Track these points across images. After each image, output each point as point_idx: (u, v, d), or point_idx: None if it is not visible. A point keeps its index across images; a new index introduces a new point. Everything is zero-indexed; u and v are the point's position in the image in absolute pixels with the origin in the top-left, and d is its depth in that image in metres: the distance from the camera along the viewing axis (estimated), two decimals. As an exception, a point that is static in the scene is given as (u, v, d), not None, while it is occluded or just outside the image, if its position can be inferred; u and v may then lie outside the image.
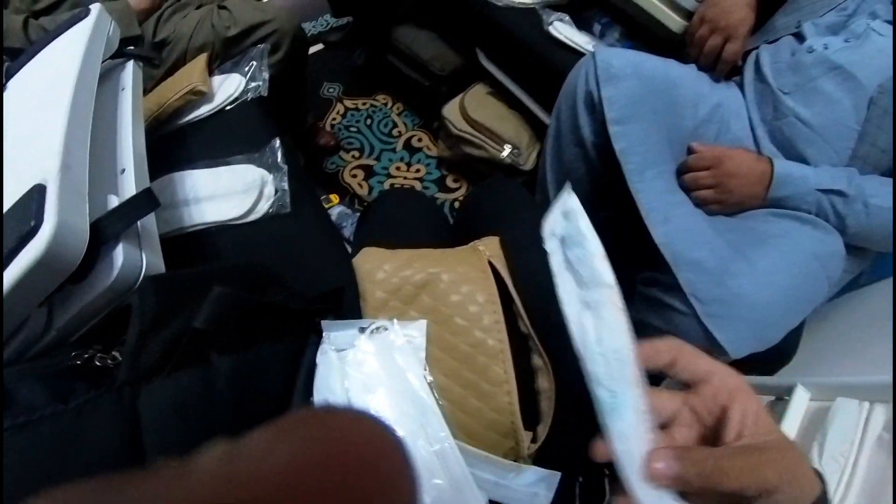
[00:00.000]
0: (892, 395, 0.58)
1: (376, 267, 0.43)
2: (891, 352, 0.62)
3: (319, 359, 0.39)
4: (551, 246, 0.30)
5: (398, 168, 1.46)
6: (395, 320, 0.40)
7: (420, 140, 1.53)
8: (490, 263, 0.45)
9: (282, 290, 0.45)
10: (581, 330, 0.28)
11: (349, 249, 0.71)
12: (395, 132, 1.55)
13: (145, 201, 0.54)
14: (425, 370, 0.38)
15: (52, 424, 0.30)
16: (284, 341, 0.42)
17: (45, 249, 0.42)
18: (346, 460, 0.12)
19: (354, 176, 1.45)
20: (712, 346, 0.68)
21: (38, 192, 0.45)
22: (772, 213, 0.79)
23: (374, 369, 0.37)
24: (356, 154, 1.50)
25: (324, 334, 0.40)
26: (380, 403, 0.36)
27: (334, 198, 1.20)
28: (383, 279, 0.42)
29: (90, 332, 0.51)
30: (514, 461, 0.39)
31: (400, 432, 0.35)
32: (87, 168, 0.53)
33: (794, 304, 0.71)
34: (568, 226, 0.28)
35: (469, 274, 0.44)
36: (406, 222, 0.55)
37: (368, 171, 1.46)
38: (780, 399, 0.73)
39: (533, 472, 0.39)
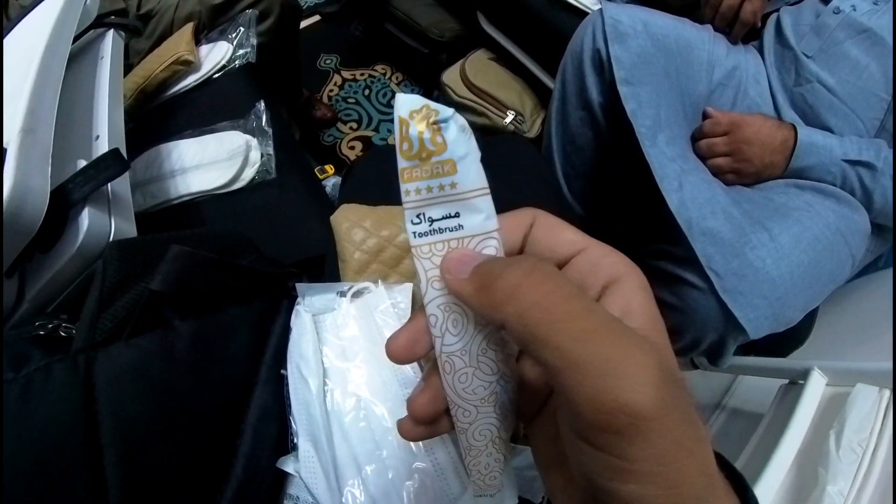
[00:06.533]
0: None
1: (354, 224, 0.39)
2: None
3: (293, 322, 0.35)
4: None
5: (397, 138, 1.43)
6: (380, 282, 0.36)
7: (420, 110, 1.49)
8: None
9: (251, 254, 0.42)
10: None
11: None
12: (393, 102, 1.50)
13: (112, 162, 0.52)
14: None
15: (2, 393, 0.29)
16: (253, 305, 0.39)
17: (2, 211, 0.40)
18: None
19: (352, 147, 1.42)
20: (729, 325, 0.63)
21: (-1, 156, 0.44)
22: (793, 184, 0.74)
23: (354, 334, 0.33)
24: (354, 125, 1.47)
25: (298, 297, 0.36)
26: (358, 372, 0.32)
27: (329, 168, 1.16)
28: (362, 239, 0.38)
29: (65, 302, 0.50)
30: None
31: (380, 405, 0.32)
32: (53, 131, 0.51)
33: (816, 283, 0.67)
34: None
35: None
36: (389, 178, 0.51)
37: (367, 143, 1.42)
38: (794, 383, 0.69)
39: (530, 454, 0.35)
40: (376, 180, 0.50)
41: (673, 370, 0.16)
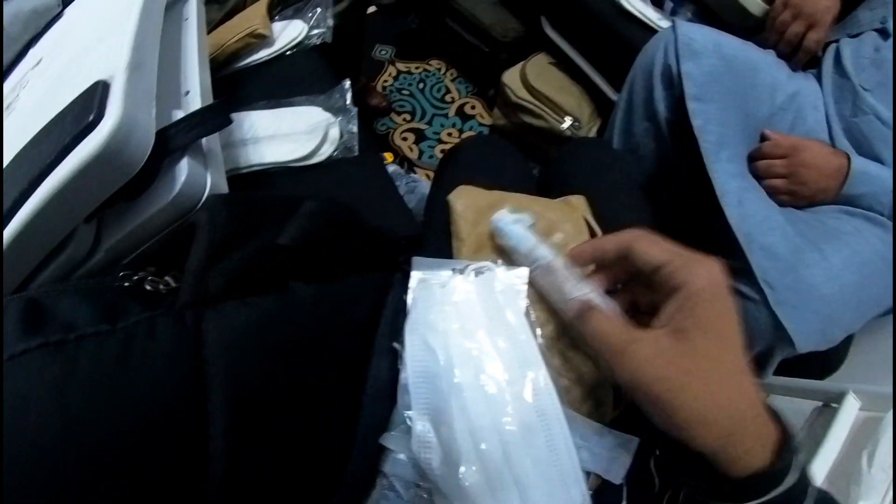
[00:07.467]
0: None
1: (470, 205, 0.39)
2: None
3: (420, 294, 0.34)
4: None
5: (449, 134, 1.40)
6: (500, 261, 0.36)
7: (473, 107, 1.45)
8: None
9: (366, 224, 0.40)
10: None
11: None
12: (447, 98, 1.48)
13: (217, 113, 0.48)
14: (528, 311, 0.35)
15: (94, 346, 0.25)
16: (370, 275, 0.37)
17: (104, 144, 0.36)
18: None
19: (405, 139, 1.39)
20: (778, 336, 0.62)
21: (101, 87, 0.39)
22: (843, 210, 0.73)
23: (475, 310, 0.33)
24: (407, 117, 1.44)
25: (419, 272, 0.37)
26: (477, 347, 0.32)
27: (389, 156, 1.16)
28: (479, 219, 0.39)
29: (141, 258, 0.45)
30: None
31: (499, 382, 0.28)
32: (156, 72, 0.48)
33: (862, 305, 0.66)
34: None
35: (565, 225, 0.40)
36: (494, 166, 0.51)
37: (419, 135, 1.40)
38: (828, 406, 0.68)
39: (616, 436, 0.36)
40: (479, 164, 0.50)
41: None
